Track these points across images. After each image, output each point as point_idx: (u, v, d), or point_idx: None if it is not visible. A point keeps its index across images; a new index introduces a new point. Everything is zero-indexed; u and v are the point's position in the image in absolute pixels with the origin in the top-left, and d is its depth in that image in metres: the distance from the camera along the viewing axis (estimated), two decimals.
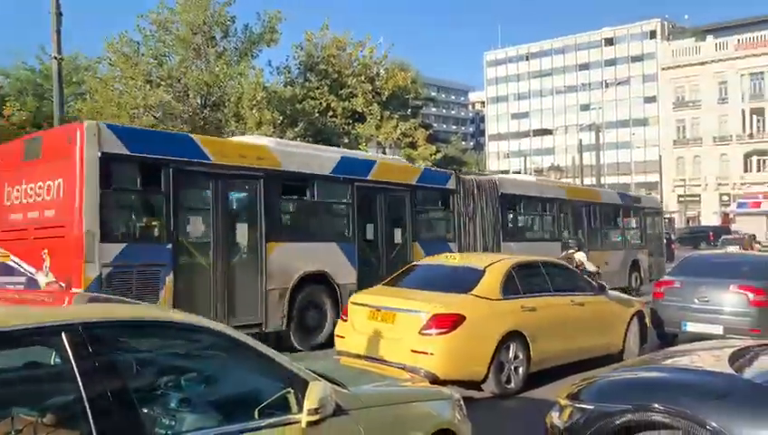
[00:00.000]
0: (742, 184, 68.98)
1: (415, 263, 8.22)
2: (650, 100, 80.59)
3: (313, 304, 9.62)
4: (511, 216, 14.34)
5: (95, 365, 2.35)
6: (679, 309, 9.72)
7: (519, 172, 70.60)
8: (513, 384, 7.03)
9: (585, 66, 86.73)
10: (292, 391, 2.89)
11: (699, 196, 63.37)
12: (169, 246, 7.99)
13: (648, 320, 9.33)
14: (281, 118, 27.45)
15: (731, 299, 9.39)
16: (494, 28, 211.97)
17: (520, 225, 15.15)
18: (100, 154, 7.42)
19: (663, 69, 77.17)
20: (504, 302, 7.17)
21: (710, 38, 74.72)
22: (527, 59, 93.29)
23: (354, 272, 10.15)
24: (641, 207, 19.20)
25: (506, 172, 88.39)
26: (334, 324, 8.44)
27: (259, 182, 8.99)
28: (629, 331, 8.78)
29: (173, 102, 26.88)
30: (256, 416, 2.78)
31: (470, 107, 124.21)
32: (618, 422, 3.36)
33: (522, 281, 7.56)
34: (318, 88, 31.18)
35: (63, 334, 2.32)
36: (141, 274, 7.71)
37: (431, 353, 6.49)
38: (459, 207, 12.49)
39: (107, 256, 7.40)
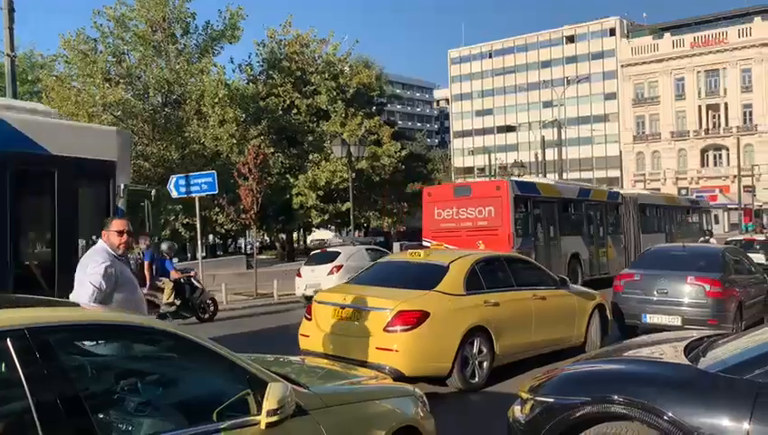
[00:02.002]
0: (699, 178, 70.81)
1: (379, 260, 8.20)
2: (611, 96, 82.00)
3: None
4: (643, 217, 21.72)
5: (43, 371, 2.27)
6: (639, 301, 9.91)
7: (483, 169, 71.17)
8: (477, 379, 7.08)
9: (547, 63, 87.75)
10: (251, 392, 2.84)
11: (659, 190, 64.67)
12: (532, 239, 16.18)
13: (609, 312, 9.47)
14: (243, 115, 27.19)
15: (688, 291, 9.61)
16: (458, 26, 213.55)
17: (646, 222, 22.04)
18: (513, 195, 15.37)
19: (622, 66, 78.68)
20: (468, 297, 7.21)
21: (667, 36, 76.39)
22: (490, 56, 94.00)
23: (588, 253, 18.13)
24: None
25: (471, 169, 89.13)
26: None
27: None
28: (591, 323, 8.91)
29: (133, 101, 26.38)
30: (215, 418, 2.74)
31: (435, 104, 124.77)
32: (578, 414, 3.40)
33: (485, 276, 7.61)
34: (281, 85, 30.97)
35: (8, 340, 2.24)
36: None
37: (396, 350, 6.50)
38: (623, 213, 20.46)
39: (516, 245, 14.93)
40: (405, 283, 7.31)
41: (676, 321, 9.44)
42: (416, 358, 6.60)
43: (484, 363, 7.19)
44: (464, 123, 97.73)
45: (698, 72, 73.30)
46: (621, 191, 23.06)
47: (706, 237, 19.41)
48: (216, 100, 26.25)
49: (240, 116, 26.91)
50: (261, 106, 29.27)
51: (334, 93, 31.85)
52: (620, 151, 77.53)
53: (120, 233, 4.60)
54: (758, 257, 15.74)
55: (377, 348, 6.54)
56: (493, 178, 38.25)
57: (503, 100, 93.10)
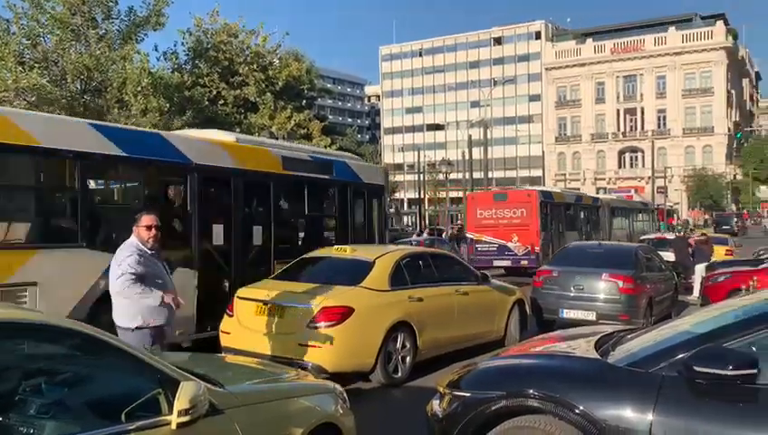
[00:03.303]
0: (616, 179, 74.07)
1: (305, 256, 8.12)
2: (535, 98, 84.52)
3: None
4: (612, 217, 27.57)
5: None
6: (557, 297, 10.27)
7: (413, 166, 71.81)
8: (400, 374, 7.14)
9: (475, 64, 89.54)
10: (162, 391, 2.75)
11: (579, 189, 67.21)
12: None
13: (528, 307, 9.77)
14: (168, 105, 26.29)
15: (603, 287, 10.04)
16: (390, 23, 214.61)
17: (614, 221, 27.69)
18: (540, 201, 20.03)
19: (547, 69, 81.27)
20: (393, 293, 7.26)
21: (589, 41, 79.44)
22: (421, 55, 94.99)
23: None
24: None
25: (401, 166, 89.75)
26: None
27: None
28: (511, 318, 9.16)
29: (49, 86, 24.99)
30: (123, 419, 2.63)
31: (366, 100, 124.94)
32: (493, 408, 3.47)
33: (410, 272, 7.68)
34: (208, 75, 30.08)
35: None
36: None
37: (320, 346, 6.46)
38: (601, 214, 26.45)
39: (541, 237, 19.62)
40: (330, 278, 7.27)
41: (591, 316, 9.83)
42: (339, 354, 6.58)
43: (407, 358, 7.26)
44: (394, 120, 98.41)
45: (617, 77, 76.66)
46: (600, 196, 30.10)
47: (684, 231, 24.06)
48: (139, 88, 25.24)
49: (164, 106, 25.97)
50: (186, 96, 28.38)
51: (263, 85, 31.27)
52: (543, 151, 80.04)
53: (149, 228, 4.85)
54: (668, 255, 16.56)
55: (300, 344, 6.49)
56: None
57: (432, 98, 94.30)
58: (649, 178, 56.37)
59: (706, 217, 60.55)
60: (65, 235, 7.29)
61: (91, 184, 8.04)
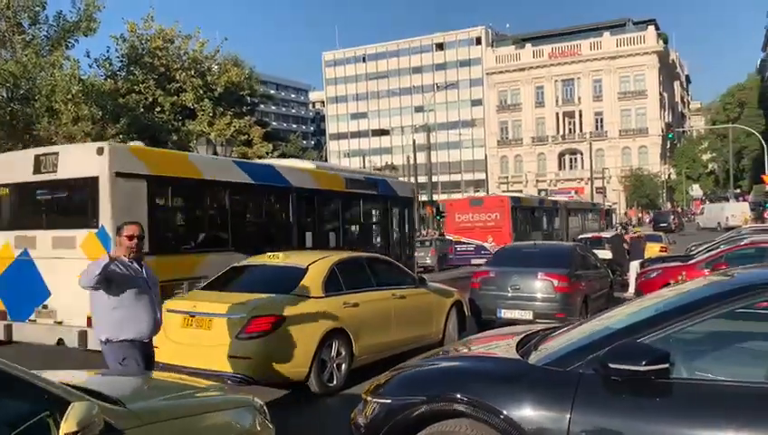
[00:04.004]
0: (557, 181, 75.91)
1: (235, 265, 7.89)
2: (477, 103, 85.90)
3: None
4: (568, 216, 30.98)
5: None
6: (495, 297, 10.34)
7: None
8: (335, 381, 7.00)
9: (418, 69, 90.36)
10: (51, 413, 2.54)
11: (521, 192, 68.60)
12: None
13: (466, 308, 9.78)
14: (100, 113, 25.46)
15: (539, 286, 10.16)
16: (332, 28, 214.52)
17: (570, 220, 31.33)
18: (511, 206, 23.82)
19: (487, 74, 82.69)
20: (326, 299, 7.12)
21: (528, 46, 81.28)
22: (364, 60, 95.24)
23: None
24: None
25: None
26: None
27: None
28: (449, 320, 9.15)
29: None
30: None
31: (311, 106, 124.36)
32: (415, 414, 3.38)
33: (345, 277, 7.56)
34: (143, 82, 29.37)
35: None
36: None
37: (250, 358, 6.27)
38: (560, 214, 29.96)
39: (513, 237, 22.30)
40: (261, 287, 7.08)
41: (528, 315, 9.93)
42: (270, 364, 6.40)
43: (343, 365, 7.13)
44: (339, 126, 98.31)
45: (556, 81, 78.65)
46: (558, 199, 33.71)
47: (621, 230, 26.02)
48: (69, 96, 24.36)
49: (96, 114, 25.16)
50: (120, 103, 27.56)
51: (201, 91, 30.73)
52: (486, 155, 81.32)
53: (131, 237, 4.83)
54: (605, 253, 16.97)
55: (230, 357, 6.28)
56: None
57: (377, 103, 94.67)
58: (589, 179, 57.99)
59: (641, 216, 62.57)
60: (221, 242, 9.95)
61: (235, 203, 10.49)
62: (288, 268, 7.40)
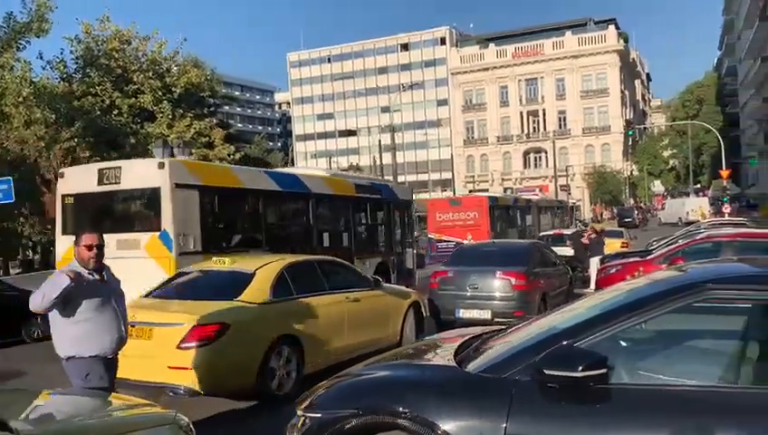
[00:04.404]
0: (522, 179, 76.53)
1: (181, 270, 7.60)
2: (443, 102, 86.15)
3: None
4: (539, 214, 32.07)
5: None
6: (453, 297, 10.20)
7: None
8: (285, 390, 6.75)
9: (384, 70, 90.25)
10: None
11: (487, 190, 69.08)
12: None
13: (424, 309, 9.61)
14: (54, 116, 24.70)
15: (497, 285, 10.05)
16: (298, 29, 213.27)
17: (541, 217, 32.36)
18: (489, 205, 24.91)
19: (452, 74, 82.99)
20: (275, 305, 6.87)
21: (492, 46, 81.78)
22: (329, 61, 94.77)
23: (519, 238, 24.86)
24: None
25: None
26: None
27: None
28: (406, 322, 8.96)
29: None
30: None
31: (277, 107, 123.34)
32: (346, 428, 3.18)
33: (295, 282, 7.31)
34: (100, 84, 28.64)
35: None
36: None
37: (191, 368, 5.98)
38: (532, 212, 31.27)
39: (491, 235, 22.73)
40: (205, 294, 6.81)
41: (487, 314, 9.82)
42: (214, 375, 6.13)
43: (293, 373, 6.89)
44: (305, 127, 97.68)
45: (520, 80, 79.30)
46: (531, 197, 35.28)
47: (581, 226, 27.01)
48: (20, 99, 23.59)
49: (50, 117, 24.40)
50: (75, 106, 26.78)
51: (160, 93, 30.07)
52: (452, 155, 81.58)
53: (90, 247, 4.51)
54: (566, 250, 17.01)
55: (170, 368, 5.99)
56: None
57: (343, 104, 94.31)
58: (553, 176, 58.55)
59: (603, 212, 63.44)
60: (257, 242, 11.19)
61: (264, 209, 11.77)
62: (234, 273, 7.13)
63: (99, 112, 28.04)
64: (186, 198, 9.67)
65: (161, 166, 9.53)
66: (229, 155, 30.71)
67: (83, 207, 10.49)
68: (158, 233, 9.44)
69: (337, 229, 13.63)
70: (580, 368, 2.75)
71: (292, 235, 12.51)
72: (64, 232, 10.34)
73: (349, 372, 3.86)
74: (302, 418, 3.44)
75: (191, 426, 3.59)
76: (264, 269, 7.12)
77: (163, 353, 6.05)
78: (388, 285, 9.19)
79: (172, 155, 20.77)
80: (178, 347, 6.02)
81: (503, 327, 4.29)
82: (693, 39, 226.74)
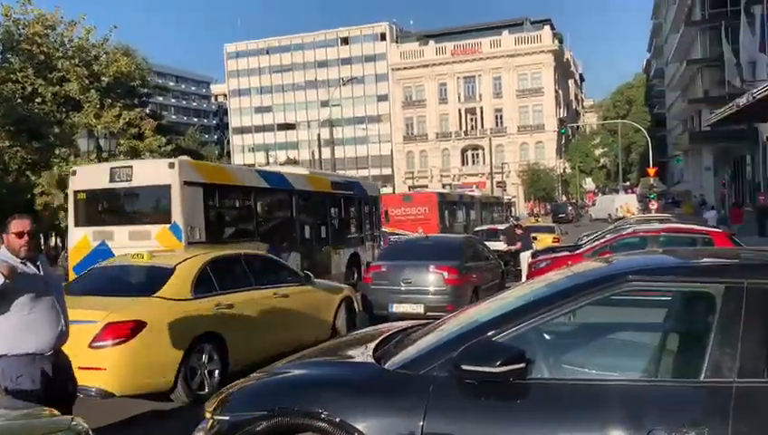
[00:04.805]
0: (460, 175, 77.46)
1: (95, 265, 7.19)
2: (383, 98, 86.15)
3: None
4: (482, 209, 35.84)
5: None
6: (387, 292, 10.10)
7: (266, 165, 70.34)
8: (207, 390, 6.46)
9: (324, 63, 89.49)
10: None
11: (426, 186, 69.64)
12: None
13: (357, 305, 9.48)
14: None
15: (430, 279, 10.01)
16: (234, 20, 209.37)
17: (484, 213, 36.18)
18: (438, 200, 28.27)
19: (393, 70, 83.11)
20: (197, 301, 6.57)
21: (432, 43, 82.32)
22: (268, 53, 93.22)
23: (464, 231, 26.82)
24: None
25: (252, 165, 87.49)
26: None
27: None
28: (338, 318, 8.81)
29: None
30: None
31: (213, 99, 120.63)
32: (257, 431, 2.99)
33: (219, 277, 7.02)
34: (21, 70, 27.17)
35: None
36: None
37: (104, 369, 5.65)
38: (475, 208, 34.89)
39: (440, 228, 26.42)
40: (122, 290, 6.46)
41: (420, 309, 9.76)
42: (129, 375, 5.81)
43: (216, 372, 6.62)
44: (243, 120, 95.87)
45: (458, 78, 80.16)
46: (473, 193, 37.38)
47: (514, 222, 27.45)
48: None
49: None
50: None
51: (87, 81, 28.76)
52: (392, 151, 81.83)
53: (21, 234, 4.06)
54: (499, 245, 17.22)
55: (80, 368, 5.55)
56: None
57: (282, 97, 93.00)
58: (490, 173, 59.50)
59: (535, 209, 65.01)
60: (250, 233, 12.57)
61: (256, 204, 13.12)
62: (153, 268, 6.79)
63: (20, 100, 26.62)
64: (192, 194, 10.95)
65: (171, 166, 10.81)
66: (160, 147, 29.67)
67: (95, 202, 11.70)
68: (168, 225, 10.67)
69: (316, 222, 15.16)
70: (498, 363, 2.65)
71: (278, 226, 13.97)
72: (77, 225, 11.53)
73: (262, 371, 3.66)
74: (211, 421, 3.22)
75: (90, 432, 3.31)
76: (184, 264, 6.80)
77: (74, 353, 5.59)
78: (319, 280, 8.99)
79: (98, 145, 20.12)
80: (90, 346, 5.66)
81: (427, 321, 4.18)
82: (624, 41, 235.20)
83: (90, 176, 11.86)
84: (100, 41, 31.12)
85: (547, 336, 3.21)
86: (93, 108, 28.16)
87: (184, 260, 6.90)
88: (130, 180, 11.18)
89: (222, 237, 11.81)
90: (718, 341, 2.63)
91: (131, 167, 11.51)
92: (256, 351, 7.17)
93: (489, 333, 2.87)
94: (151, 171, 11.37)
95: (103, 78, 29.88)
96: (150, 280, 6.54)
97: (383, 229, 26.70)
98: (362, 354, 3.34)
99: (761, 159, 30.02)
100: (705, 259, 3.34)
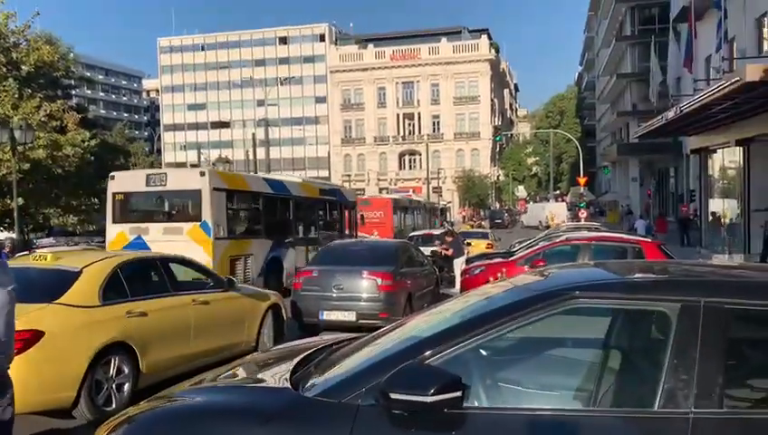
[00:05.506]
0: (397, 180, 77.63)
1: None
2: (321, 100, 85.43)
3: None
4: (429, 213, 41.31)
5: None
6: (317, 298, 9.67)
7: (196, 165, 68.46)
8: (114, 405, 5.89)
9: (261, 62, 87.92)
10: None
11: (364, 190, 69.39)
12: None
13: (285, 312, 9.00)
14: None
15: (363, 285, 9.64)
16: (169, 13, 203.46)
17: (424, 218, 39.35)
18: (392, 205, 31.98)
19: (331, 72, 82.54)
20: (105, 308, 5.98)
21: (371, 47, 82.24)
22: (203, 49, 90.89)
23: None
24: None
25: (183, 164, 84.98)
26: None
27: None
28: (264, 326, 8.32)
29: None
30: None
31: (144, 94, 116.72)
32: None
33: (132, 282, 6.45)
34: None
35: None
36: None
37: None
38: (419, 212, 39.03)
39: (395, 231, 29.64)
40: (19, 295, 5.74)
41: (351, 316, 9.39)
42: (25, 390, 5.13)
43: (125, 386, 6.05)
44: (175, 116, 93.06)
45: (397, 83, 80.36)
46: (419, 199, 41.94)
47: (449, 227, 29.29)
48: None
49: None
50: None
51: (5, 70, 27.00)
52: (329, 153, 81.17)
53: None
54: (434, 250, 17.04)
55: None
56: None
57: (216, 95, 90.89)
58: (426, 178, 59.79)
59: (466, 215, 65.78)
60: (258, 232, 14.78)
61: (263, 206, 15.19)
62: (57, 272, 6.14)
63: None
64: (218, 197, 13.06)
65: (203, 174, 13.07)
66: (83, 141, 28.13)
67: (131, 203, 13.79)
68: (198, 223, 12.75)
69: (307, 222, 17.41)
70: (432, 391, 2.31)
71: (279, 225, 15.77)
72: (114, 222, 13.51)
73: (158, 396, 3.19)
74: None
75: None
76: (92, 267, 6.19)
77: None
78: (244, 286, 8.51)
79: (12, 137, 18.78)
80: None
81: (357, 336, 3.79)
82: (559, 54, 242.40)
83: (127, 180, 14.13)
84: (21, 27, 29.34)
85: (484, 352, 2.89)
86: (11, 98, 26.43)
87: (92, 263, 6.28)
88: (165, 185, 13.27)
89: (237, 233, 13.98)
90: (673, 365, 2.37)
91: (166, 174, 13.79)
92: (172, 363, 6.64)
93: (422, 355, 2.52)
94: (184, 178, 13.79)
95: (23, 67, 28.16)
96: (53, 285, 5.90)
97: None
98: (277, 377, 2.93)
99: (684, 171, 31.22)
100: (655, 274, 3.10)
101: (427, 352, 2.54)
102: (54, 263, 6.29)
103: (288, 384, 2.76)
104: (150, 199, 13.86)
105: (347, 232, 19.74)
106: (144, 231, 12.97)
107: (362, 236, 24.62)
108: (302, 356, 3.21)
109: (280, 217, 16.03)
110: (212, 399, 2.84)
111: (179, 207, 13.80)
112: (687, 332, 2.41)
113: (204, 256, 11.87)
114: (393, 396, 2.34)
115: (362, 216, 24.43)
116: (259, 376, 3.16)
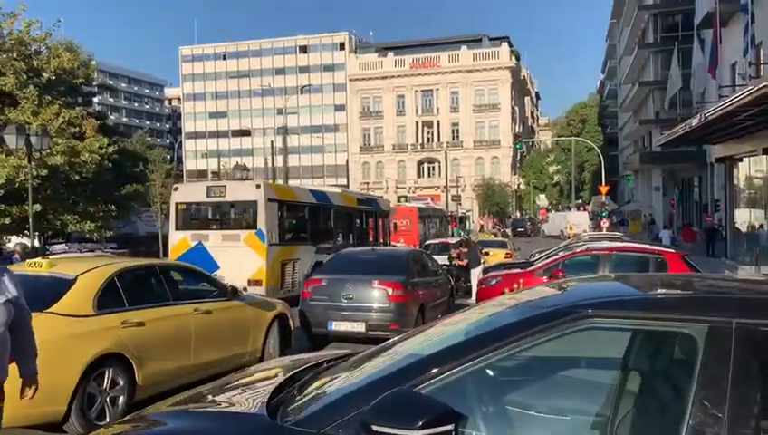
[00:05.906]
0: (416, 188, 77.24)
1: None
2: (340, 108, 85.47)
3: None
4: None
5: None
6: (326, 308, 9.40)
7: (217, 173, 68.66)
8: (108, 419, 5.66)
9: (281, 71, 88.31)
10: None
11: (382, 198, 68.95)
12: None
13: (292, 322, 8.72)
14: None
15: (373, 295, 9.35)
16: (191, 23, 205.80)
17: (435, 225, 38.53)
18: (419, 214, 32.76)
19: (351, 80, 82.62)
20: (99, 318, 5.77)
21: (391, 55, 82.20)
22: (224, 58, 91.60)
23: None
24: None
25: (204, 172, 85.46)
26: None
27: None
28: (270, 336, 8.06)
29: None
30: None
31: (167, 102, 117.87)
32: None
33: (129, 290, 6.23)
34: None
35: None
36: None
37: None
38: (430, 219, 37.68)
39: (421, 239, 28.64)
40: None
41: (361, 327, 9.10)
42: (12, 403, 4.92)
43: (120, 399, 5.81)
44: (196, 124, 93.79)
45: (416, 90, 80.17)
46: (440, 206, 43.60)
47: (465, 236, 29.44)
48: None
49: None
50: None
51: (25, 76, 27.23)
52: (348, 161, 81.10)
53: None
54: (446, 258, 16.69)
55: None
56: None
57: (237, 103, 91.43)
58: (445, 187, 59.36)
59: (489, 223, 65.16)
60: (304, 238, 16.20)
61: (308, 215, 16.79)
62: (51, 279, 5.94)
63: None
64: (271, 207, 14.38)
65: (258, 186, 14.48)
66: (101, 147, 28.23)
67: (192, 212, 15.38)
68: (254, 230, 14.13)
69: (346, 230, 18.83)
70: (420, 424, 2.00)
71: (321, 232, 17.06)
72: (177, 229, 14.94)
73: (130, 419, 2.92)
74: None
75: None
76: (88, 275, 5.98)
77: None
78: (249, 295, 8.26)
79: (28, 143, 18.82)
80: None
81: (349, 353, 3.49)
82: (580, 62, 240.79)
83: (189, 192, 15.80)
84: (42, 35, 29.63)
85: (484, 377, 2.55)
86: (31, 104, 26.64)
87: (88, 270, 6.06)
88: (224, 196, 14.71)
89: (286, 240, 15.29)
90: (700, 397, 2.04)
91: (225, 186, 15.10)
92: (171, 375, 6.40)
93: (413, 380, 2.22)
94: (241, 190, 15.04)
95: (43, 74, 28.39)
96: (45, 293, 5.69)
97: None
98: (254, 401, 2.64)
99: (708, 180, 30.49)
100: (679, 290, 2.75)
101: (418, 377, 2.23)
102: (49, 270, 6.09)
103: (264, 410, 2.47)
104: (210, 209, 15.45)
105: (381, 239, 20.94)
106: (204, 238, 14.33)
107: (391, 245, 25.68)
108: (289, 375, 2.92)
109: (323, 225, 17.53)
110: (181, 424, 2.56)
111: (236, 216, 15.35)
112: (717, 357, 2.07)
113: (258, 261, 13.69)
114: (375, 429, 2.04)
115: (395, 224, 25.05)
116: (238, 398, 2.87)
